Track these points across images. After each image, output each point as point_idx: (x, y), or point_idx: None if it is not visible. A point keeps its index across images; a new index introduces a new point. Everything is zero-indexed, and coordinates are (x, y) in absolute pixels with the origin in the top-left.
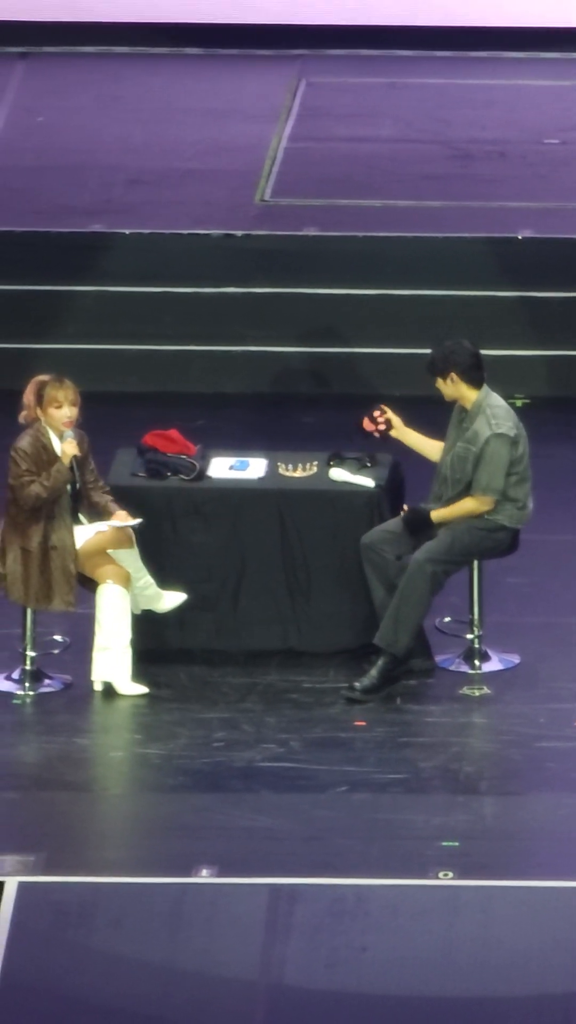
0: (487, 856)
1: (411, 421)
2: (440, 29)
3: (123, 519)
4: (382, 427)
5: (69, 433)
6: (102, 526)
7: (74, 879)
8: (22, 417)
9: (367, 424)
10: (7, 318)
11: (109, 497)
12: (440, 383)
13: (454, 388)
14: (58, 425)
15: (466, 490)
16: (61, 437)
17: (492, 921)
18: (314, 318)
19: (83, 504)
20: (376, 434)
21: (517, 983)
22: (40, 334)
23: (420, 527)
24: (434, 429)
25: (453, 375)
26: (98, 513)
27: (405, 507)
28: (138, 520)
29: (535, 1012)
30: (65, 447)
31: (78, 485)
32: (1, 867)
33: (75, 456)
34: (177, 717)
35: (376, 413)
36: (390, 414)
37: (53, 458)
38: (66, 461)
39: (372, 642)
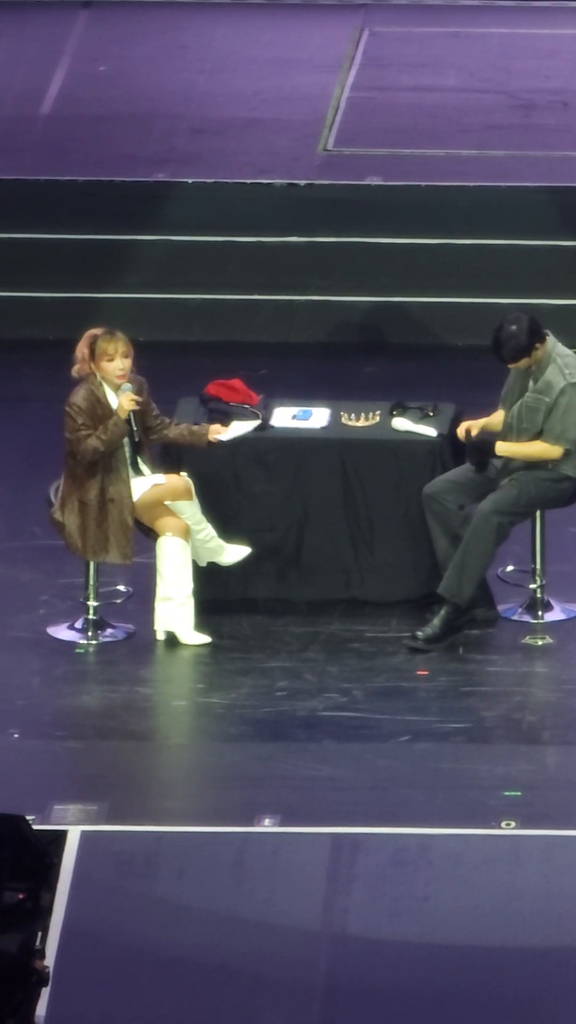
0: (549, 806)
1: (473, 372)
2: None
3: (218, 431)
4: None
5: (126, 386)
6: (159, 478)
7: (137, 828)
8: (75, 371)
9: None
10: (72, 268)
11: (184, 425)
12: (523, 362)
13: (534, 356)
14: (112, 378)
15: (533, 439)
16: (117, 390)
17: (555, 871)
18: (377, 268)
19: (146, 452)
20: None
21: None
22: (104, 283)
23: (483, 455)
24: (496, 379)
25: (537, 346)
26: (188, 442)
27: (471, 429)
28: (249, 424)
29: None
30: (122, 400)
31: (137, 438)
32: (64, 816)
33: (132, 410)
34: (239, 666)
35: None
36: (470, 425)
37: (108, 412)
38: (123, 415)
39: (435, 592)
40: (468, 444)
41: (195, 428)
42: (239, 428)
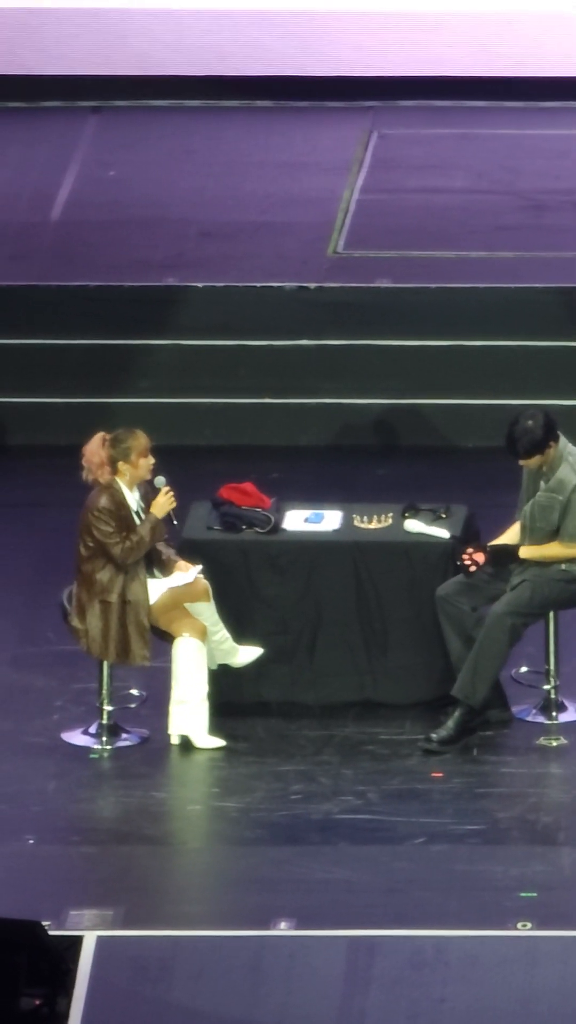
0: (566, 906)
1: (485, 473)
2: (511, 79)
3: (184, 569)
4: (471, 567)
5: (161, 479)
6: (175, 580)
7: (153, 933)
8: (89, 477)
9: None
10: (83, 373)
11: (171, 549)
12: (535, 460)
13: (547, 455)
14: (145, 474)
15: (549, 538)
16: (151, 484)
17: (571, 972)
18: (387, 370)
19: (155, 559)
20: (464, 573)
21: None
22: (115, 388)
23: (506, 561)
24: (508, 480)
25: (551, 443)
26: (164, 567)
27: (486, 546)
28: (198, 567)
29: None
30: (162, 501)
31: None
32: (80, 921)
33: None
34: (254, 770)
35: (465, 556)
36: (476, 555)
37: (130, 514)
38: (161, 514)
39: (449, 693)
40: (490, 553)
41: (172, 557)
42: (188, 575)
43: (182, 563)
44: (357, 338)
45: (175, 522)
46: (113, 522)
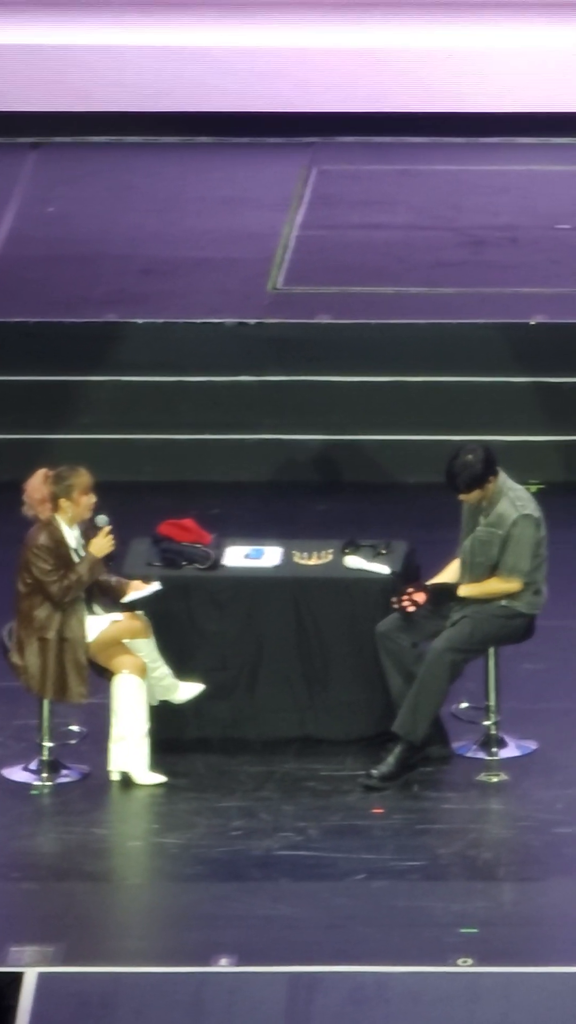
0: (506, 943)
1: (425, 509)
2: (452, 115)
3: (139, 588)
4: (409, 608)
5: (103, 518)
6: (117, 616)
7: (94, 969)
8: (30, 512)
9: (395, 603)
10: (23, 409)
11: (116, 576)
12: (475, 494)
13: (487, 489)
14: (86, 512)
15: (489, 573)
16: (92, 522)
17: (512, 1007)
18: (328, 406)
19: (96, 592)
20: (402, 613)
21: None
22: (55, 424)
23: (446, 600)
24: (449, 516)
25: (491, 478)
26: (115, 592)
27: (426, 585)
28: (155, 584)
29: None
30: (100, 542)
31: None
32: (21, 958)
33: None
34: (194, 806)
35: (405, 596)
36: (416, 595)
37: (68, 552)
38: (100, 554)
39: (389, 730)
40: (430, 592)
41: (123, 581)
42: (147, 590)
43: (136, 582)
44: (297, 374)
45: (112, 561)
46: (51, 560)
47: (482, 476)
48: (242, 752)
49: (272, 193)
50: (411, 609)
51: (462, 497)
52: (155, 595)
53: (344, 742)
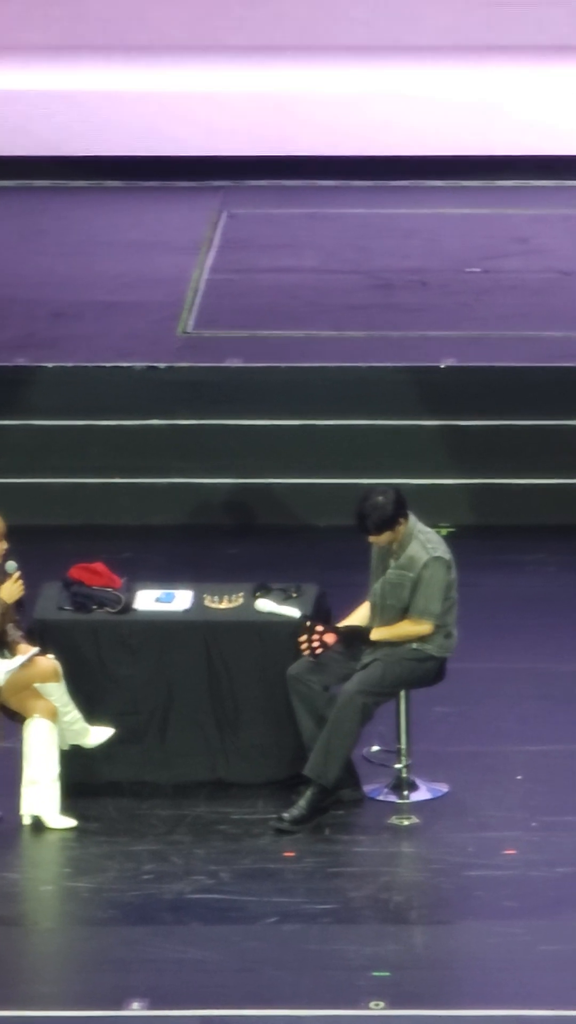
0: (418, 985)
1: (336, 552)
2: (360, 159)
3: (24, 651)
4: (317, 649)
5: (12, 564)
6: (23, 659)
7: (6, 1014)
8: None
9: (303, 645)
10: None
11: (20, 631)
12: (386, 536)
13: (397, 531)
14: None
15: (400, 616)
16: (2, 569)
17: None
18: (238, 449)
19: (2, 639)
20: (312, 655)
21: None
22: None
23: (357, 643)
24: (359, 559)
25: (401, 520)
26: (7, 645)
27: (336, 627)
28: (34, 649)
29: None
30: (11, 588)
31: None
32: None
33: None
34: (106, 850)
35: (314, 637)
36: (326, 636)
37: None
38: (10, 600)
39: (301, 773)
40: (341, 634)
41: (16, 637)
42: (24, 657)
43: (23, 646)
44: (208, 418)
45: (22, 606)
46: None
47: (392, 518)
48: (153, 796)
49: (182, 237)
50: (320, 651)
51: (372, 539)
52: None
53: (255, 785)
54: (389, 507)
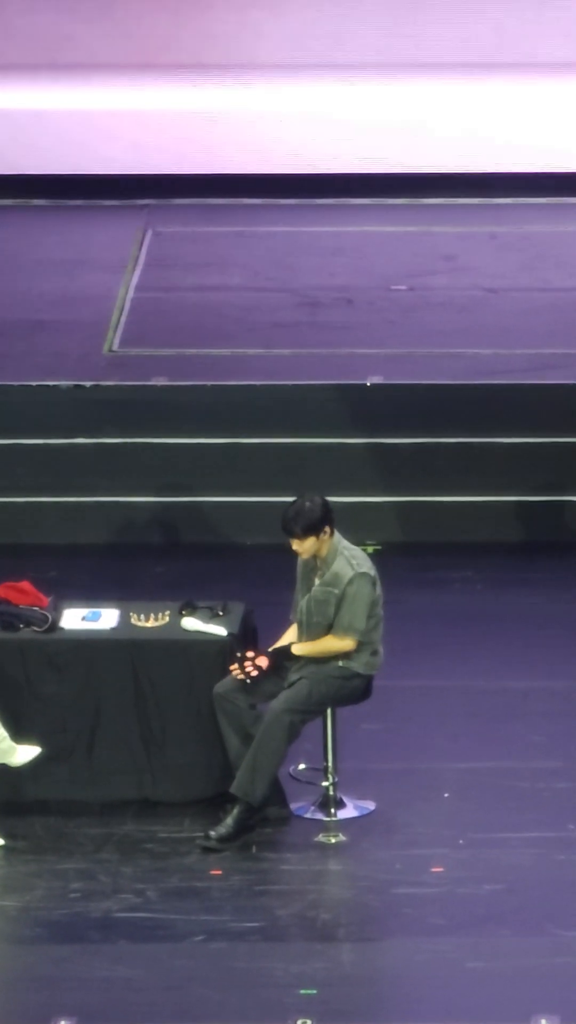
0: (346, 1003)
1: (263, 570)
2: (286, 176)
3: None
4: (252, 673)
5: None
6: None
7: None
8: None
9: (236, 671)
10: None
11: None
12: (310, 542)
13: (322, 542)
14: None
15: (326, 632)
16: None
17: None
18: (165, 468)
19: None
20: (247, 679)
21: None
22: None
23: (282, 661)
24: (286, 577)
25: (327, 528)
26: None
27: (268, 651)
28: None
29: None
30: None
31: None
32: None
33: None
34: (33, 868)
35: (247, 664)
36: (259, 659)
37: None
38: None
39: (228, 791)
40: (272, 656)
41: None
42: None
43: None
44: (134, 436)
45: None
46: None
47: (320, 521)
48: (81, 814)
49: (107, 255)
50: (255, 674)
51: (296, 546)
52: None
53: (182, 804)
54: (317, 511)
